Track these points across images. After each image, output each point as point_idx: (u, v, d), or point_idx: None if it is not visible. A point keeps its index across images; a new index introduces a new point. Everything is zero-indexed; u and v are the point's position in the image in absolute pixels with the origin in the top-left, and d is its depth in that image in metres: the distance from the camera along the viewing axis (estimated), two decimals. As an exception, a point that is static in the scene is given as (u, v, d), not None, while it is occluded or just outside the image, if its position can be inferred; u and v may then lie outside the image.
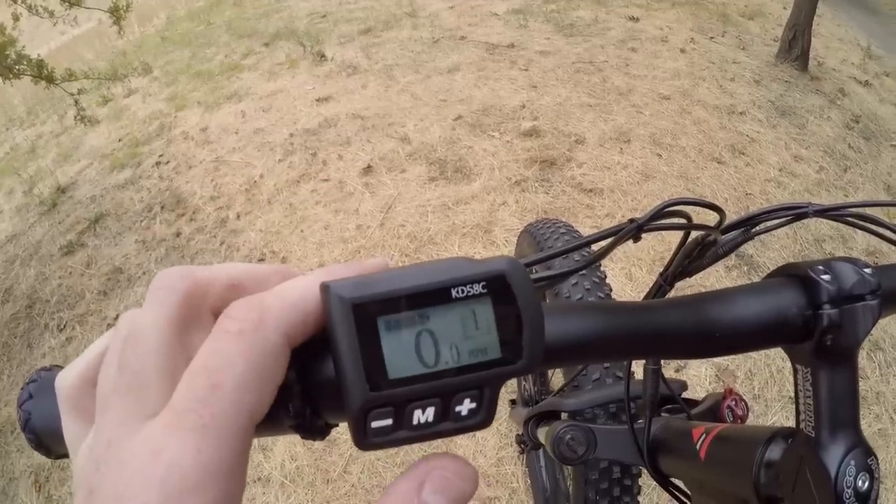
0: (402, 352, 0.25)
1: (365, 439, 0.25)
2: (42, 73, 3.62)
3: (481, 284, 0.26)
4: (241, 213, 3.22)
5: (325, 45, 5.16)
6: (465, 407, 0.26)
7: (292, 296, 0.25)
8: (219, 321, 0.23)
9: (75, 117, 4.13)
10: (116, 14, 4.14)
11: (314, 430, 0.28)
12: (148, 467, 0.19)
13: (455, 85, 4.17)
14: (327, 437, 0.29)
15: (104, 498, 0.20)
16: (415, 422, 0.26)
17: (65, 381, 0.26)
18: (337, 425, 0.29)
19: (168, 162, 3.93)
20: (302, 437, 0.28)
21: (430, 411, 0.26)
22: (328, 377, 0.27)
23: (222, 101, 4.56)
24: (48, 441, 0.31)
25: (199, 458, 0.20)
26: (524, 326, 0.27)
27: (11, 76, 3.53)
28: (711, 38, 4.98)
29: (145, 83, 5.42)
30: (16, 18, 3.85)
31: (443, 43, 4.90)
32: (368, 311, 0.25)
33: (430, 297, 0.26)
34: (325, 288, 0.25)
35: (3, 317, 3.00)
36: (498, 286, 0.26)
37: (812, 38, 4.58)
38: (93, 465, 0.21)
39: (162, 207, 3.45)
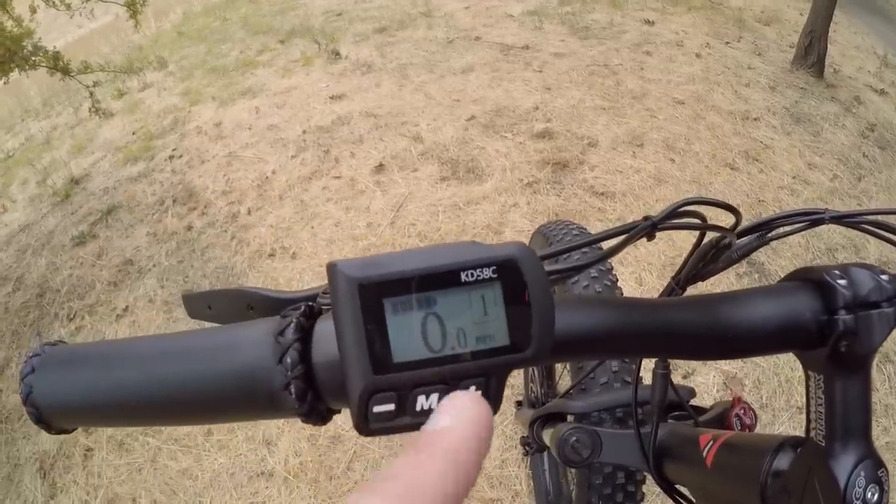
0: (407, 335, 0.25)
1: (366, 424, 0.25)
2: (58, 65, 3.64)
3: (492, 269, 0.25)
4: (253, 209, 3.23)
5: (339, 43, 5.17)
6: None
7: None
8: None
9: (90, 109, 4.16)
10: (133, 8, 4.16)
11: (316, 414, 0.27)
12: None
13: (469, 85, 4.17)
14: (329, 424, 0.28)
15: None
16: (418, 408, 0.25)
17: None
18: (339, 411, 0.29)
19: (181, 156, 3.95)
20: (303, 421, 0.28)
21: (434, 398, 0.25)
22: (332, 359, 0.26)
23: (236, 97, 4.57)
24: (49, 416, 0.31)
25: None
26: (534, 314, 0.26)
27: (28, 67, 3.55)
28: (727, 43, 4.95)
29: (160, 77, 5.44)
30: (33, 10, 3.87)
31: (457, 43, 4.90)
32: (375, 292, 0.24)
33: (438, 280, 0.25)
34: (331, 267, 0.25)
35: (14, 305, 3.02)
36: (509, 272, 0.26)
37: (828, 46, 4.55)
38: None
39: (174, 201, 3.46)
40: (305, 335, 0.27)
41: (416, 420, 0.25)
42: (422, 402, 0.25)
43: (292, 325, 0.27)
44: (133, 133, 4.50)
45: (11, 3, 3.63)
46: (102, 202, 3.67)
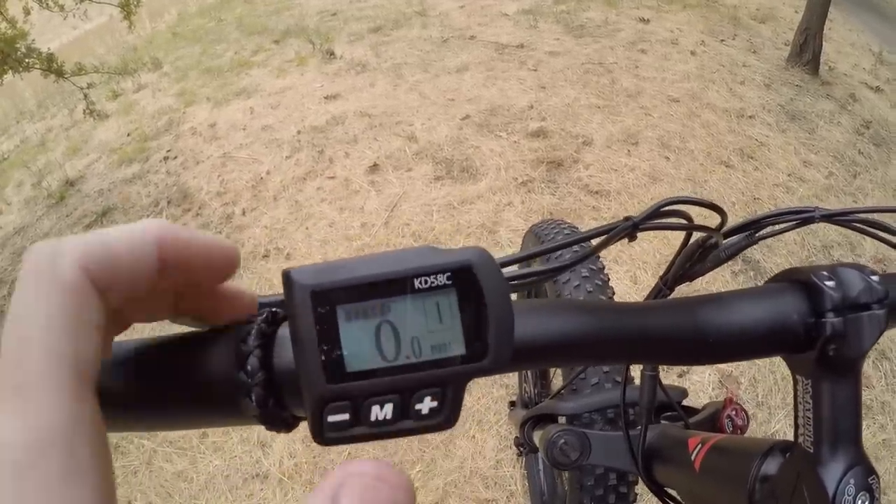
0: (361, 343, 0.24)
1: (322, 434, 0.24)
2: (52, 66, 3.64)
3: (446, 275, 0.25)
4: (247, 210, 3.22)
5: (334, 42, 5.16)
6: (426, 405, 0.25)
7: (101, 232, 0.22)
8: (21, 268, 0.20)
9: (85, 111, 4.16)
10: (127, 9, 4.16)
11: (278, 421, 0.27)
12: None
13: (463, 84, 4.16)
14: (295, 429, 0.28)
15: None
16: (373, 418, 0.24)
17: None
18: (304, 418, 0.28)
19: (176, 157, 3.94)
20: (267, 429, 0.27)
21: (389, 408, 0.24)
22: (291, 367, 0.25)
23: (231, 98, 4.56)
24: None
25: (26, 427, 0.17)
26: (491, 321, 0.25)
27: (21, 69, 3.55)
28: (722, 40, 4.95)
29: (155, 78, 5.43)
30: (27, 12, 3.88)
31: (452, 42, 4.89)
32: (328, 298, 0.24)
33: (391, 286, 0.24)
34: (285, 274, 0.24)
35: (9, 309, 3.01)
36: (464, 278, 0.25)
37: (823, 43, 4.55)
38: None
39: (168, 202, 3.45)
40: (267, 341, 0.27)
41: (371, 430, 0.24)
42: (376, 412, 0.24)
43: (254, 331, 0.27)
44: (128, 134, 4.49)
45: (5, 4, 3.63)
46: (97, 204, 3.66)
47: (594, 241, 0.42)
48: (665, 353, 0.36)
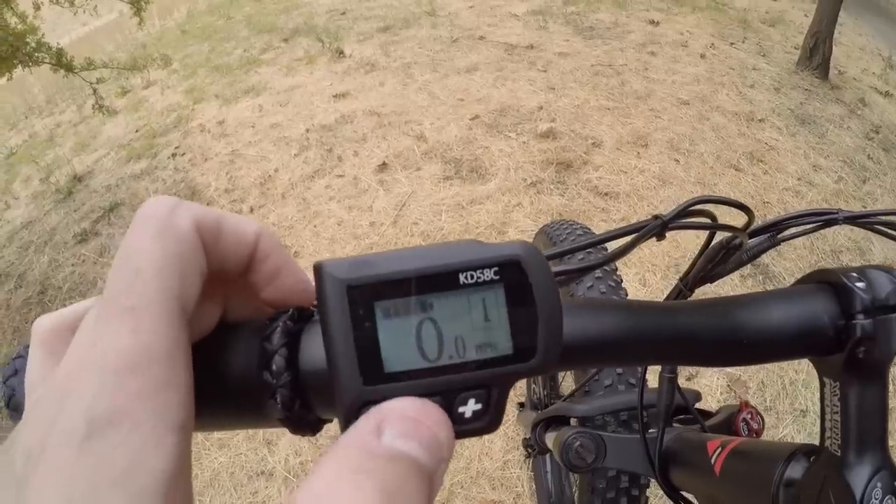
0: (401, 342, 0.23)
1: None
2: (61, 61, 3.64)
3: (493, 270, 0.24)
4: (255, 207, 3.22)
5: (343, 41, 5.15)
6: (470, 408, 0.24)
7: (216, 209, 0.25)
8: (136, 214, 0.23)
9: (93, 107, 4.16)
10: (137, 6, 4.17)
11: (304, 424, 0.26)
12: (86, 356, 0.19)
13: (473, 84, 4.16)
14: (319, 433, 0.27)
15: (49, 399, 0.19)
16: None
17: (42, 324, 0.25)
18: (330, 421, 0.27)
19: (184, 154, 3.95)
20: (291, 432, 0.26)
21: None
22: (320, 367, 0.24)
23: (240, 95, 4.57)
24: None
25: (135, 340, 0.19)
26: (540, 320, 0.24)
27: (31, 64, 3.55)
28: (732, 44, 4.94)
29: (164, 75, 5.44)
30: (37, 7, 3.88)
31: (461, 42, 4.89)
32: (365, 294, 0.23)
33: (434, 281, 0.23)
34: (317, 267, 0.23)
35: (16, 302, 3.02)
36: (512, 273, 0.24)
37: (833, 47, 4.53)
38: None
39: (176, 199, 3.45)
40: (293, 340, 0.25)
41: None
42: None
43: (279, 329, 0.25)
44: (136, 131, 4.51)
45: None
46: (105, 199, 3.67)
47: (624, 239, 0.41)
48: (701, 355, 0.35)
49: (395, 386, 0.23)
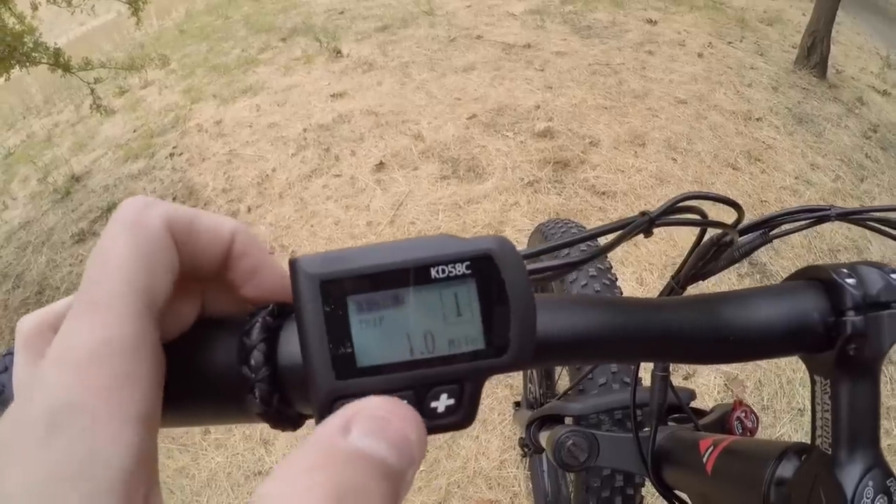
0: (373, 337, 0.23)
1: None
2: (59, 61, 3.63)
3: (465, 264, 0.24)
4: (253, 207, 3.22)
5: (341, 41, 5.15)
6: (442, 403, 0.24)
7: (192, 208, 0.25)
8: (112, 215, 0.23)
9: (91, 107, 4.16)
10: (135, 6, 4.15)
11: (283, 419, 0.26)
12: (54, 350, 0.20)
13: (470, 84, 4.16)
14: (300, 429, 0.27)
15: (20, 396, 0.20)
16: None
17: (25, 323, 0.25)
18: (311, 416, 0.27)
19: (182, 154, 3.95)
20: (271, 427, 0.26)
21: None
22: (298, 362, 0.24)
23: (238, 95, 4.57)
24: None
25: (97, 334, 0.20)
26: (513, 314, 0.24)
27: (29, 64, 3.55)
28: (729, 42, 4.93)
29: (162, 75, 5.44)
30: (34, 7, 3.87)
31: (459, 42, 4.88)
32: (338, 289, 0.23)
33: (407, 276, 0.23)
34: (292, 262, 0.23)
35: (14, 302, 3.02)
36: (484, 268, 0.24)
37: (831, 46, 4.53)
38: None
39: (174, 198, 3.45)
40: (272, 336, 0.25)
41: None
42: None
43: (258, 324, 0.25)
44: (134, 130, 4.51)
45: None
46: (103, 199, 3.67)
47: (610, 236, 0.41)
48: (685, 352, 0.35)
49: (368, 380, 0.23)
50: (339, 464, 0.18)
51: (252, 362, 0.24)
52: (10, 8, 3.54)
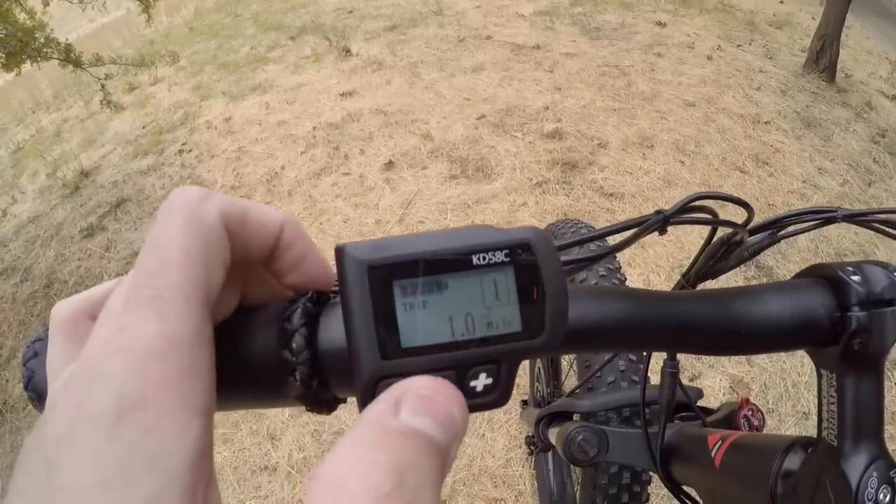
0: (417, 319, 0.24)
1: None
2: (69, 57, 3.65)
3: (504, 252, 0.25)
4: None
5: (350, 40, 5.17)
6: (481, 382, 0.25)
7: (243, 200, 0.25)
8: (164, 204, 0.24)
9: (101, 102, 4.17)
10: (145, 3, 4.17)
11: (320, 402, 0.27)
12: (113, 342, 0.20)
13: (479, 84, 4.16)
14: (333, 419, 0.28)
15: (77, 384, 0.20)
16: None
17: (60, 310, 0.26)
18: (344, 400, 0.28)
19: (191, 150, 3.96)
20: (307, 410, 0.27)
21: None
22: (338, 346, 0.26)
23: (247, 93, 4.58)
24: None
25: (161, 328, 0.20)
26: (547, 300, 0.25)
27: (39, 59, 3.57)
28: (738, 46, 4.93)
29: (171, 72, 5.46)
30: (45, 3, 3.89)
31: (468, 42, 4.89)
32: (384, 274, 0.24)
33: (449, 262, 0.25)
34: (339, 249, 0.24)
35: (22, 295, 3.03)
36: (522, 256, 0.25)
37: (840, 50, 4.51)
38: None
39: (182, 195, 3.46)
40: (312, 321, 0.27)
41: None
42: None
43: (299, 310, 0.27)
44: (143, 127, 4.53)
45: (25, -6, 3.66)
46: (111, 195, 3.69)
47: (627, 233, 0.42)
48: (700, 342, 0.36)
49: (411, 360, 0.24)
50: (395, 442, 0.19)
51: (294, 346, 0.25)
52: (21, 4, 3.56)
